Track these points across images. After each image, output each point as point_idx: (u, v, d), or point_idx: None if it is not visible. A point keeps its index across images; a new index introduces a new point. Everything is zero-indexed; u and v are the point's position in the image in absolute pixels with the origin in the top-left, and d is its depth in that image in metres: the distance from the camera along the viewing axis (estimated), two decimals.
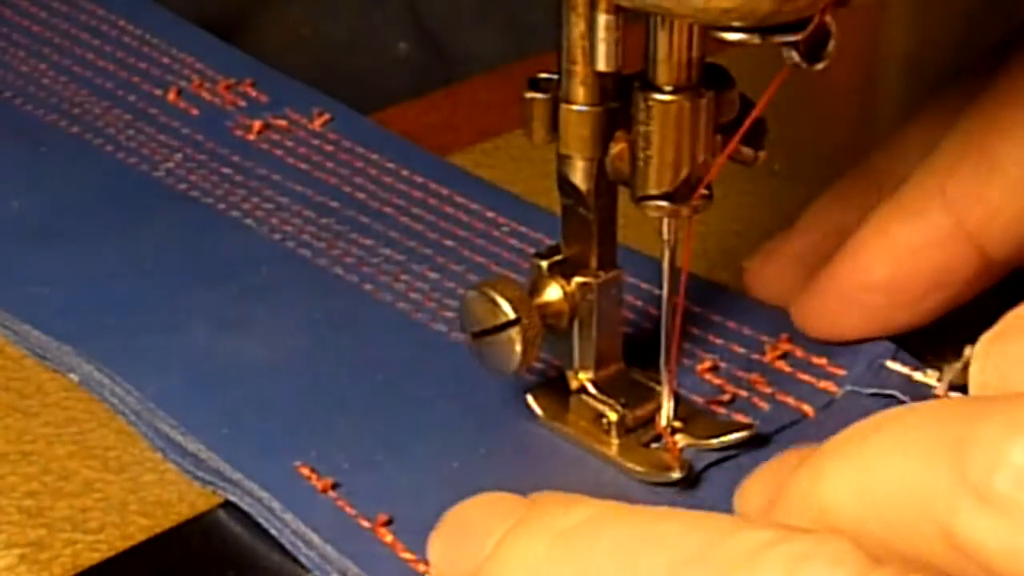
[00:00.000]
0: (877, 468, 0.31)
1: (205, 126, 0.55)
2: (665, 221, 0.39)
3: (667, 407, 0.40)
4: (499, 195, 0.51)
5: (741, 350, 0.44)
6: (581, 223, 0.40)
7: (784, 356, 0.43)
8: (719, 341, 0.44)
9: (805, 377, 0.43)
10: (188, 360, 0.44)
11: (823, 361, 0.43)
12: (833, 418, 0.41)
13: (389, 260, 0.48)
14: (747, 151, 0.39)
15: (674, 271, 0.39)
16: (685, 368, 0.43)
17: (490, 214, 0.50)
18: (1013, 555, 0.29)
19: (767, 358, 0.43)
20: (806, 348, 0.43)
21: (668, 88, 0.37)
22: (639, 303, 0.45)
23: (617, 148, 0.39)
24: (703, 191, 0.38)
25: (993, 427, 0.30)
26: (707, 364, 0.43)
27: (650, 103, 0.38)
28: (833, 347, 0.43)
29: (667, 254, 0.39)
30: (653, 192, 0.38)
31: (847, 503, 0.32)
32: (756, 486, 0.36)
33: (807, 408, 0.42)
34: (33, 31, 0.61)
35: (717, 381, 0.43)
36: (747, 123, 0.37)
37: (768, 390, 0.42)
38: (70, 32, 0.61)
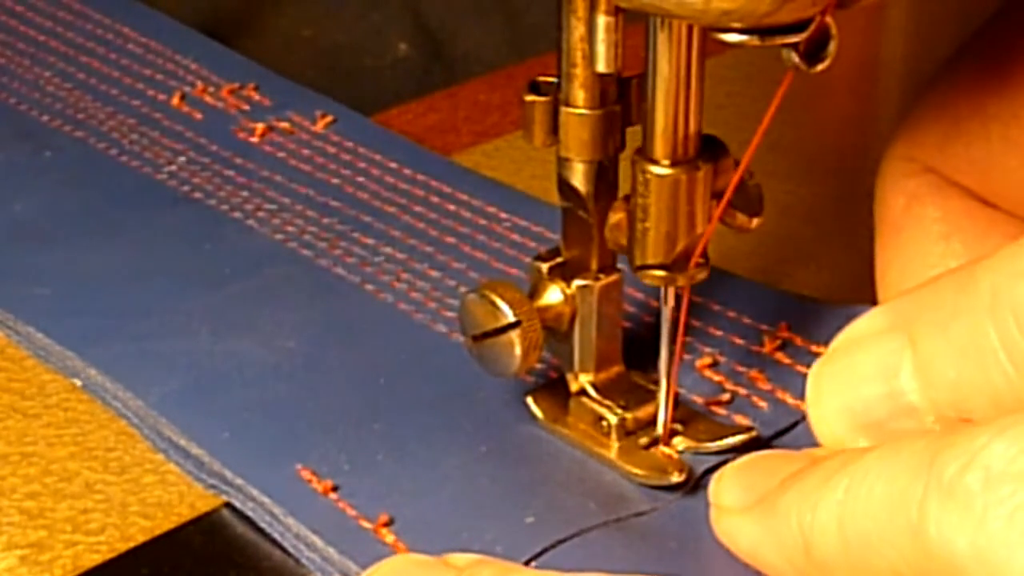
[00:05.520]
0: (860, 487, 0.31)
1: (209, 130, 0.55)
2: (662, 289, 0.39)
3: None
4: (500, 191, 0.51)
5: (740, 341, 0.44)
6: (581, 225, 0.40)
7: (783, 346, 0.43)
8: (718, 332, 0.44)
9: (804, 369, 0.42)
10: (190, 364, 0.44)
11: (822, 350, 0.43)
12: None
13: (391, 259, 0.48)
14: (742, 217, 0.39)
15: (673, 337, 0.40)
16: (685, 365, 0.43)
17: (491, 209, 0.50)
18: (978, 554, 0.29)
19: (766, 349, 0.43)
20: (805, 336, 0.43)
21: (666, 162, 0.38)
22: (640, 295, 0.45)
23: (616, 218, 0.39)
24: (699, 260, 0.39)
25: (972, 432, 0.30)
26: (706, 360, 0.43)
27: (648, 176, 0.38)
28: (832, 334, 0.43)
29: (667, 319, 0.40)
30: (651, 262, 0.39)
31: (831, 529, 0.32)
32: (733, 479, 0.36)
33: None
34: (39, 40, 0.61)
35: (717, 378, 0.43)
36: (734, 180, 0.38)
37: (768, 387, 0.42)
38: (75, 40, 0.61)
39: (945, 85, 0.39)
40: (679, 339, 0.40)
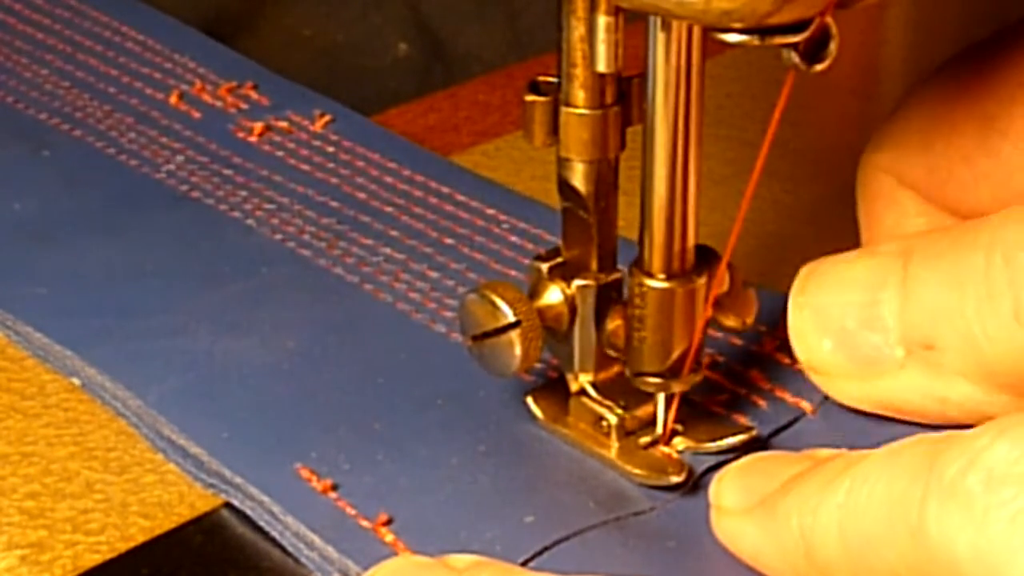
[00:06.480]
0: (861, 490, 0.32)
1: (207, 129, 0.55)
2: (656, 393, 0.40)
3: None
4: (499, 192, 0.51)
5: (739, 342, 0.44)
6: (581, 225, 0.40)
7: (782, 346, 0.44)
8: (718, 333, 0.44)
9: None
10: (189, 364, 0.44)
11: None
12: (831, 415, 0.41)
13: (389, 259, 0.48)
14: (735, 320, 0.40)
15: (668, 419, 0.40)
16: None
17: (490, 211, 0.50)
18: (978, 555, 0.28)
19: (765, 349, 0.44)
20: None
21: (661, 276, 0.39)
22: None
23: (613, 325, 0.40)
24: (693, 365, 0.40)
25: (973, 433, 0.30)
26: (705, 360, 0.43)
27: (644, 289, 0.39)
28: None
29: (660, 422, 0.40)
30: (647, 370, 0.39)
31: (831, 532, 0.32)
32: (734, 481, 0.36)
33: (805, 405, 0.42)
34: (37, 38, 0.61)
35: (716, 377, 0.43)
36: (719, 272, 0.39)
37: (767, 386, 0.42)
38: (73, 38, 0.61)
39: (924, 104, 0.39)
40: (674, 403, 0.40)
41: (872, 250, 0.35)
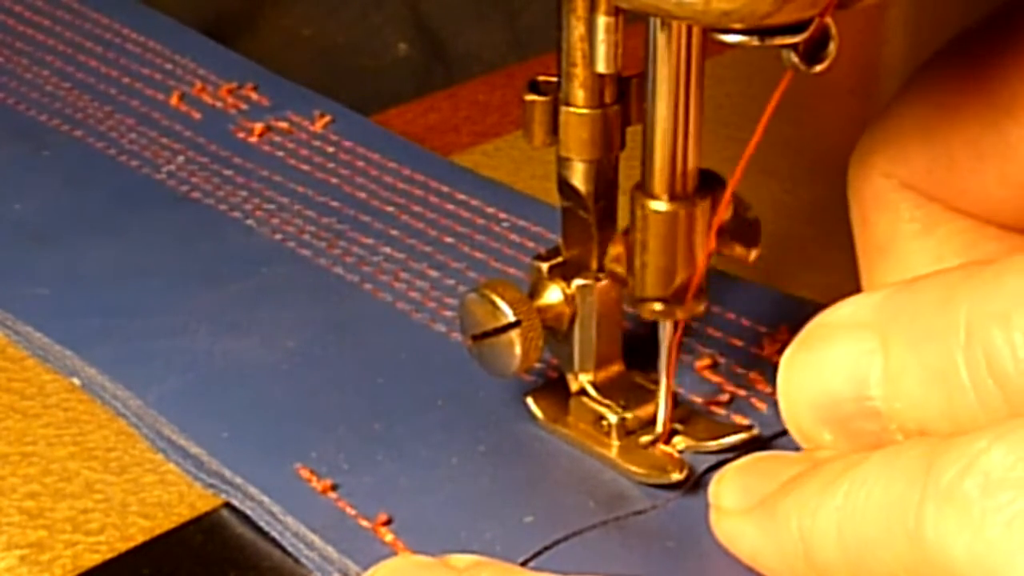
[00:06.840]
0: (859, 492, 0.32)
1: (207, 129, 0.55)
2: (661, 323, 0.40)
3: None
4: (499, 191, 0.51)
5: (739, 343, 0.44)
6: (581, 225, 0.40)
7: (783, 349, 0.43)
8: (718, 334, 0.44)
9: None
10: (189, 364, 0.44)
11: None
12: None
13: (389, 259, 0.48)
14: (740, 249, 0.40)
15: (670, 363, 0.40)
16: (684, 366, 0.43)
17: (490, 210, 0.50)
18: (975, 560, 0.28)
19: (765, 352, 0.44)
20: None
21: (664, 197, 0.38)
22: None
23: (615, 251, 0.39)
24: (696, 292, 0.39)
25: (971, 436, 0.30)
26: (706, 361, 0.43)
27: (646, 212, 0.38)
28: None
29: (664, 351, 0.40)
30: (649, 295, 0.39)
31: (830, 534, 0.32)
32: (733, 481, 0.36)
33: None
34: (37, 39, 0.61)
35: (716, 379, 0.43)
36: (722, 210, 0.38)
37: (767, 389, 0.42)
38: (74, 40, 0.61)
39: (920, 96, 0.39)
40: (677, 337, 0.40)
41: (846, 321, 0.34)
